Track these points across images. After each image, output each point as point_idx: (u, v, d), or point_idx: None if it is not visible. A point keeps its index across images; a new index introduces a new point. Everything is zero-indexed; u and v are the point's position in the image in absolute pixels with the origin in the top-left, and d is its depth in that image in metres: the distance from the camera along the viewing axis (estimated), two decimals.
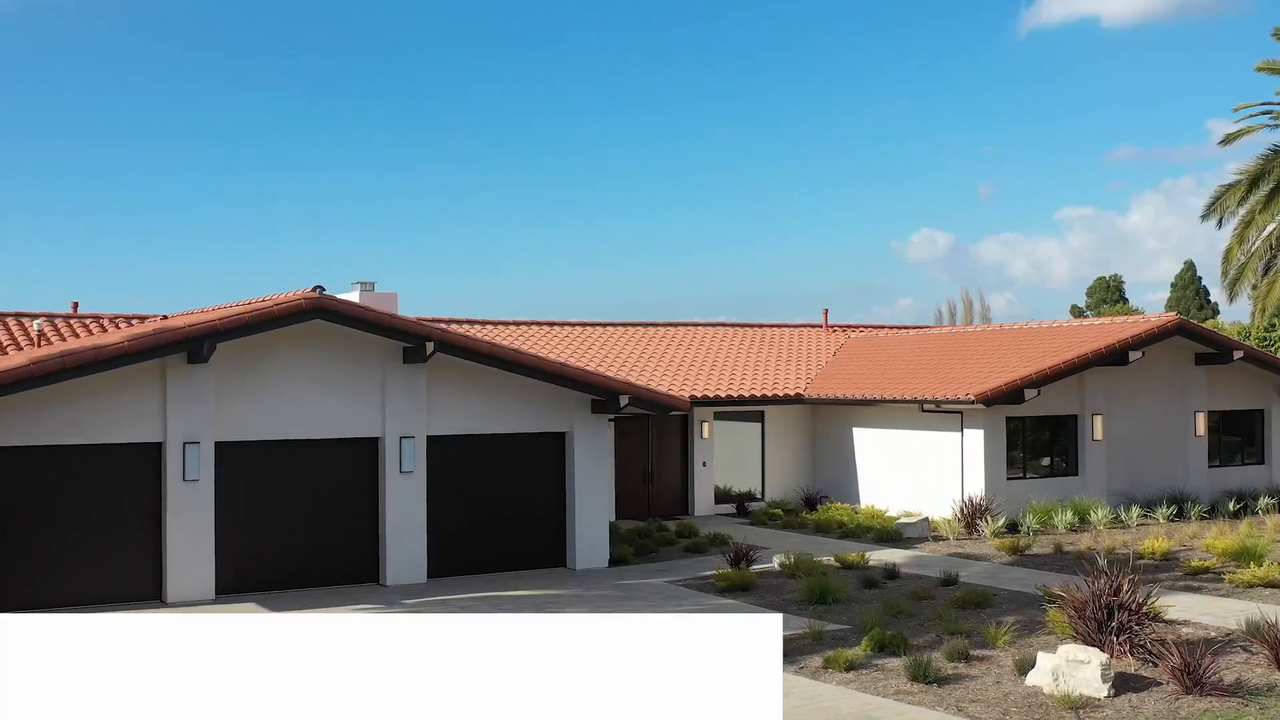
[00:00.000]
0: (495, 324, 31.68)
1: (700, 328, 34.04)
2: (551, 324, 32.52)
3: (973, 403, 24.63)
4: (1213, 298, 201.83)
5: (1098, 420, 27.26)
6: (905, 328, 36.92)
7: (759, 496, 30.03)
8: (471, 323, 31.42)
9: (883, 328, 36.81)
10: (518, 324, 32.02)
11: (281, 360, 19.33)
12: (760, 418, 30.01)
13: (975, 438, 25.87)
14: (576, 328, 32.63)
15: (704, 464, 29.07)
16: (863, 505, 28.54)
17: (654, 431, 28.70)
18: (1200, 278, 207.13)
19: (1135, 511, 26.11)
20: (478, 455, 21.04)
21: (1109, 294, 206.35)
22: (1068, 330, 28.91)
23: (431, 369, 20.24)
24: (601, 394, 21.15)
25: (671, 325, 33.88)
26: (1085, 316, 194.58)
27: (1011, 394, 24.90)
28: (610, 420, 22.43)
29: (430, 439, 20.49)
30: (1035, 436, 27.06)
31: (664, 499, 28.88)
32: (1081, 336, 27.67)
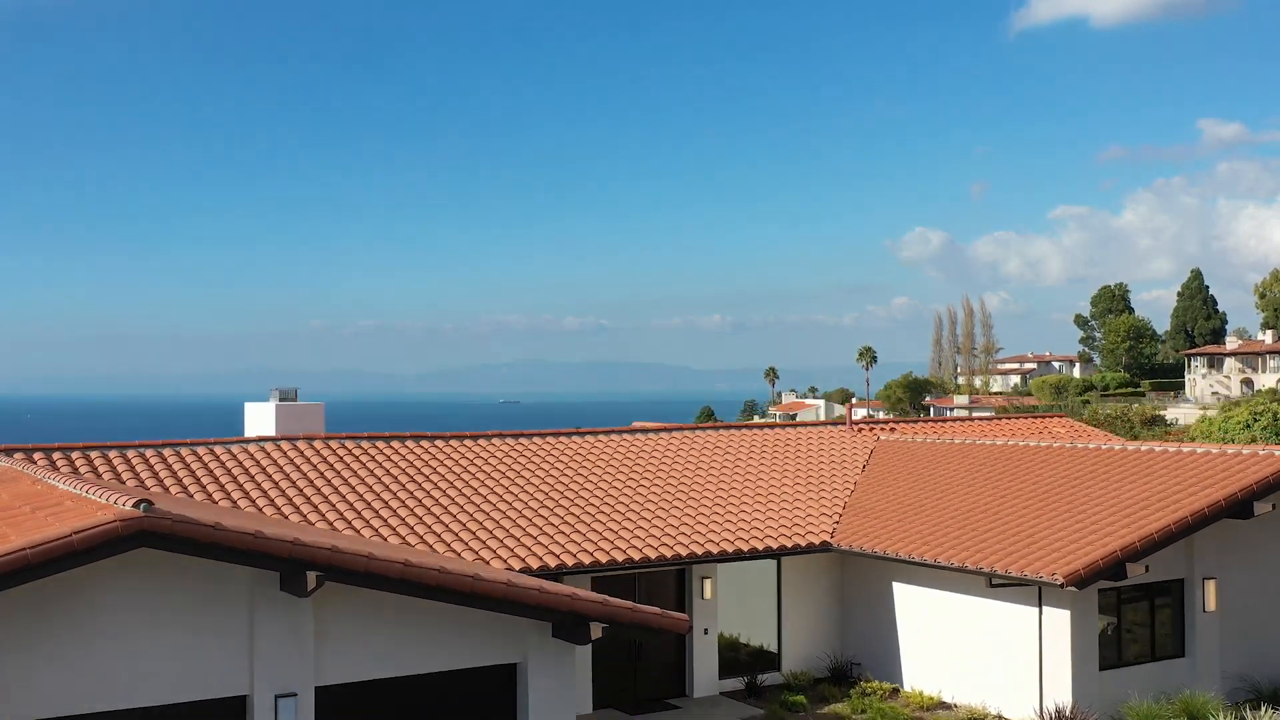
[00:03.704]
0: (445, 438, 25.70)
1: (698, 433, 27.92)
2: (517, 435, 26.52)
3: (1061, 585, 18.68)
4: (1220, 307, 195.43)
5: (1210, 586, 21.29)
6: (942, 420, 31.03)
7: (774, 660, 23.95)
8: (417, 438, 25.45)
9: (915, 422, 30.83)
10: (474, 437, 26.04)
11: (99, 598, 13.34)
12: (776, 561, 23.92)
13: (1059, 621, 19.88)
14: (546, 439, 26.61)
15: (705, 631, 22.97)
16: (907, 687, 22.53)
17: (642, 590, 22.64)
18: (1207, 286, 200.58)
19: (1266, 714, 20.16)
20: (393, 706, 15.07)
21: (1114, 303, 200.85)
22: (1163, 460, 22.90)
23: (323, 595, 14.28)
24: (565, 619, 15.21)
25: (664, 431, 27.82)
26: (1090, 326, 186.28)
27: (1110, 570, 18.99)
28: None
29: (322, 693, 14.52)
30: (1132, 609, 21.10)
31: (654, 676, 22.73)
32: (1185, 473, 21.68)
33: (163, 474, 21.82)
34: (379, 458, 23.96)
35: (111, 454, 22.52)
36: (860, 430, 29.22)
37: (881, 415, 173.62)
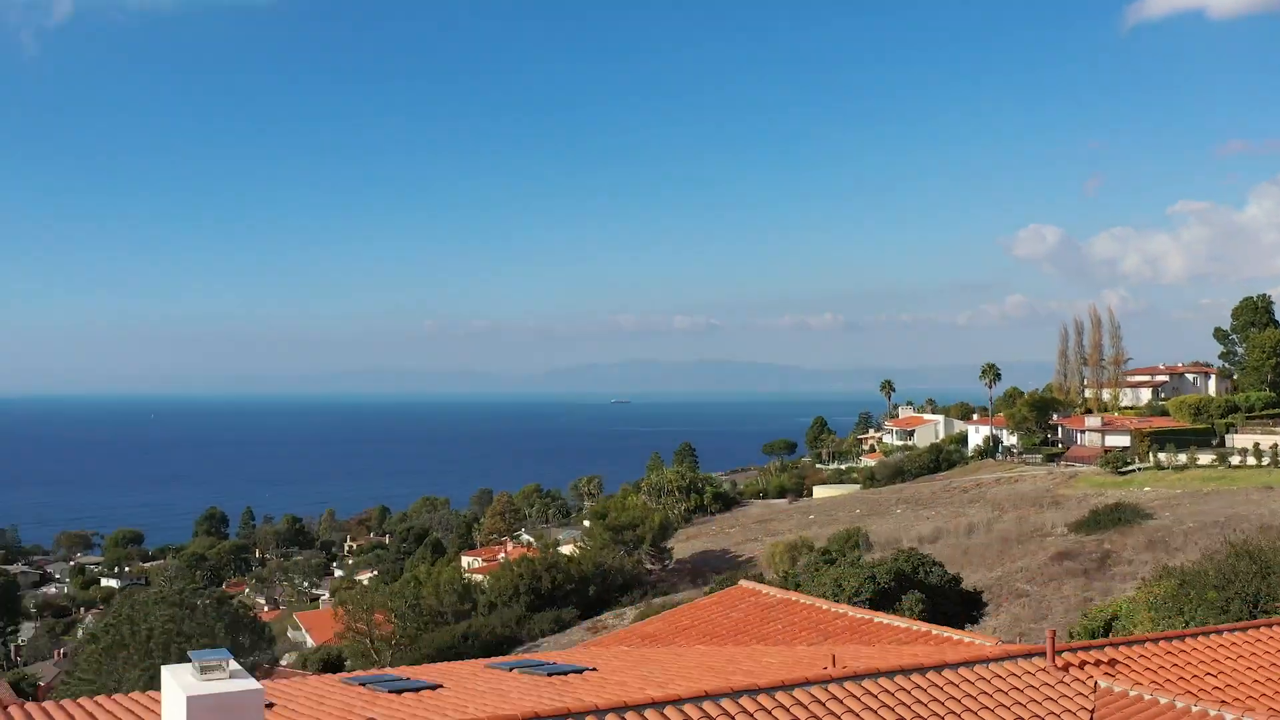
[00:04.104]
0: None
1: (814, 697, 18.76)
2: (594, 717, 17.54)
3: None
4: None
5: None
6: (1179, 635, 21.72)
7: None
8: None
9: (1137, 642, 21.49)
10: None
11: None
12: None
13: None
14: None
15: None
16: None
17: None
18: None
19: None
20: None
21: (1257, 316, 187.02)
22: None
23: None
24: None
25: (801, 691, 18.73)
26: (1231, 340, 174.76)
27: None
28: None
29: None
30: None
31: None
32: None
33: None
34: None
35: None
36: (1068, 668, 19.90)
37: (1005, 435, 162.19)
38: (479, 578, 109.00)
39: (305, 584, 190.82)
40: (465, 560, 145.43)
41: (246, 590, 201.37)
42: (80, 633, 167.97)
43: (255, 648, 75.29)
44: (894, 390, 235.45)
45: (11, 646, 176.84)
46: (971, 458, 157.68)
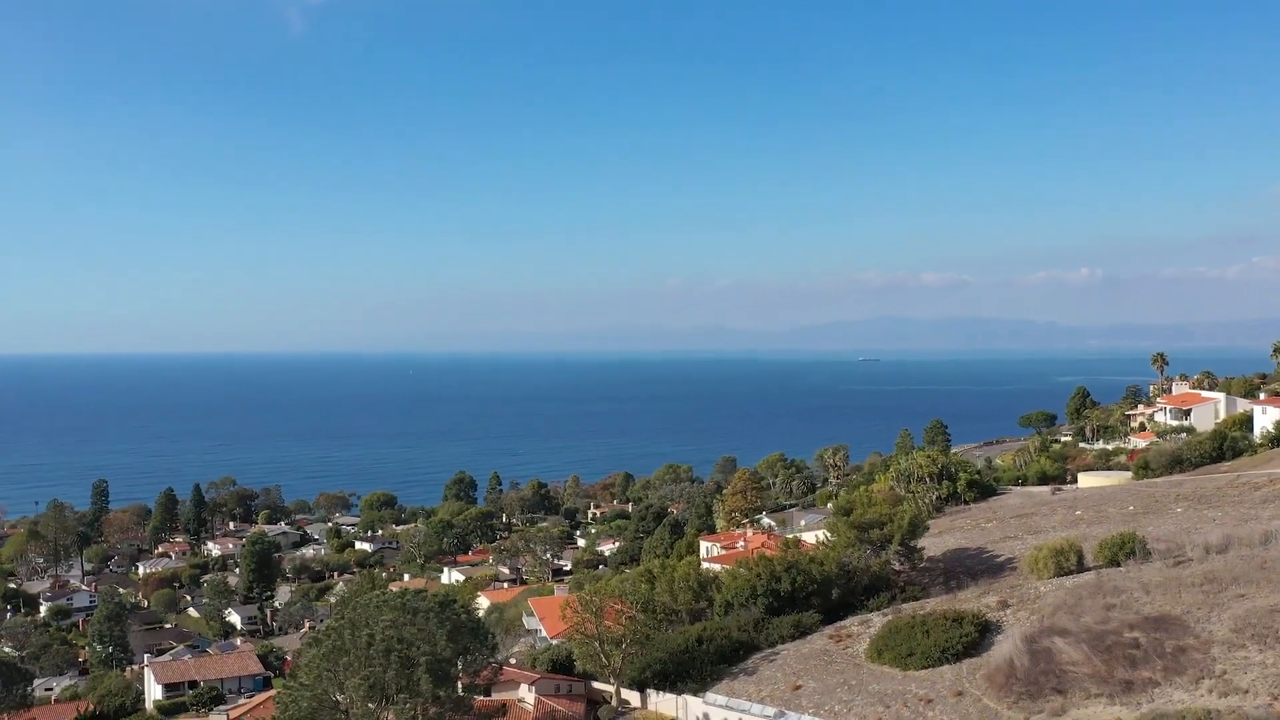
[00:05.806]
0: None
1: None
2: None
3: None
4: None
5: None
6: None
7: None
8: None
9: None
10: None
11: None
12: None
13: None
14: None
15: None
16: None
17: None
18: None
19: None
20: None
21: None
22: None
23: None
24: None
25: None
26: None
27: None
28: None
29: None
30: None
31: None
32: None
33: None
34: None
35: None
36: None
37: None
38: (716, 568, 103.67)
39: (548, 554, 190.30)
40: (704, 546, 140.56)
41: (490, 559, 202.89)
42: (332, 598, 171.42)
43: (477, 652, 72.32)
44: (1166, 364, 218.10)
45: (267, 611, 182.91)
46: (1261, 445, 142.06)
